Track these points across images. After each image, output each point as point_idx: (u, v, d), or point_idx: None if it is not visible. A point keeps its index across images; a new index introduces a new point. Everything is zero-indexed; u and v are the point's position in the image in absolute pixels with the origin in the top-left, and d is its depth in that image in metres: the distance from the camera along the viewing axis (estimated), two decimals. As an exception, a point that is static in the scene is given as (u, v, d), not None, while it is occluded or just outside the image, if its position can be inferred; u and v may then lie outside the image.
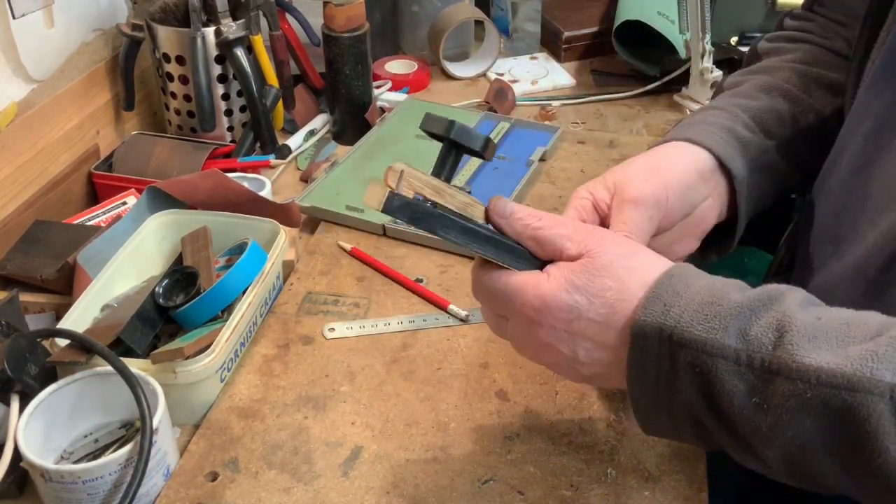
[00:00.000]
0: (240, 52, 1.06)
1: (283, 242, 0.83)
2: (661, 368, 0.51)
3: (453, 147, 0.56)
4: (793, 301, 0.49)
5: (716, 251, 0.76)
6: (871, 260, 0.59)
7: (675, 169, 0.68)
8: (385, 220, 0.93)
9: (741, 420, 0.48)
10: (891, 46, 0.61)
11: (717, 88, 0.83)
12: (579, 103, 1.25)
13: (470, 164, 1.03)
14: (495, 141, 0.97)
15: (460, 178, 0.99)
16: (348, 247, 0.91)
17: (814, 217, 0.69)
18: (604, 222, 0.66)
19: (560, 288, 0.54)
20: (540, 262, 0.57)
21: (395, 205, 0.55)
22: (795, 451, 0.47)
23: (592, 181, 0.68)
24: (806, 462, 0.48)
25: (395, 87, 1.26)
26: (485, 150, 0.56)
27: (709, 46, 1.15)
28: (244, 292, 0.77)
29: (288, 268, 0.88)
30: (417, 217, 0.56)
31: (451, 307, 0.82)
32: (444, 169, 0.57)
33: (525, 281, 0.55)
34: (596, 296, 0.53)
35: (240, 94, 1.10)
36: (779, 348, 0.47)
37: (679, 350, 0.50)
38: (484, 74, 1.33)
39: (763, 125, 0.75)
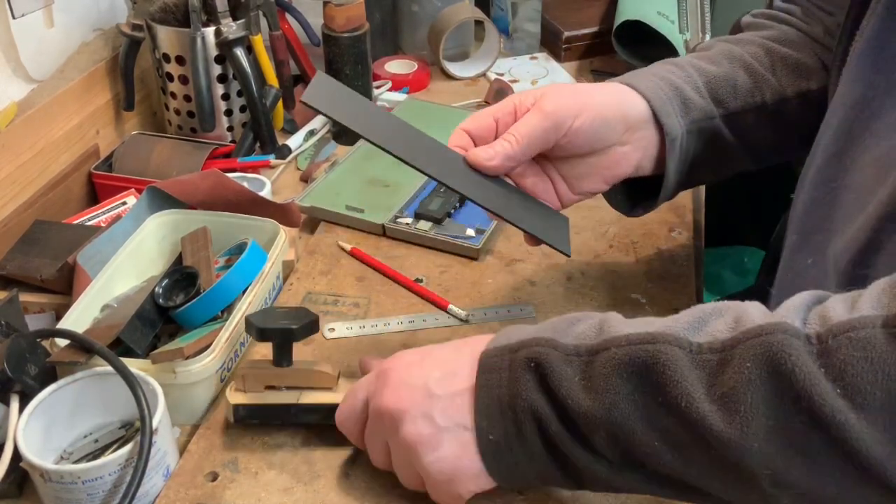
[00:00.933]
0: (240, 52, 1.06)
1: (283, 242, 0.83)
2: (502, 379, 0.55)
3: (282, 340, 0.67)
4: (613, 314, 0.56)
5: (643, 206, 0.78)
6: (844, 253, 0.59)
7: (598, 100, 0.68)
8: (385, 219, 0.93)
9: (570, 401, 0.52)
10: (868, 37, 0.61)
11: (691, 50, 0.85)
12: (579, 103, 1.25)
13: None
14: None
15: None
16: (348, 247, 0.91)
17: (794, 209, 0.69)
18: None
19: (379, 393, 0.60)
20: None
21: (241, 414, 0.67)
22: (617, 428, 0.50)
23: (529, 90, 0.70)
24: (629, 440, 0.50)
25: (395, 87, 1.26)
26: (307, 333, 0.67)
27: (709, 46, 1.15)
28: (244, 292, 0.77)
29: (288, 268, 0.88)
30: (266, 416, 0.68)
31: (451, 307, 0.82)
32: (283, 359, 0.67)
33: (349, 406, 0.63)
34: (430, 371, 0.59)
35: (240, 94, 1.10)
36: (599, 335, 0.53)
37: (519, 349, 0.55)
38: (484, 74, 1.33)
39: (714, 92, 0.75)
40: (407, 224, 0.93)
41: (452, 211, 0.94)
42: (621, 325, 0.53)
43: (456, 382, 0.57)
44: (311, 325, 0.66)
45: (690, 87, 0.74)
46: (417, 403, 0.57)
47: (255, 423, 0.68)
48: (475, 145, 0.69)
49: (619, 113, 0.69)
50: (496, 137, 0.68)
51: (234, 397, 0.67)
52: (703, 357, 0.48)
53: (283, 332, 0.66)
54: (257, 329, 0.65)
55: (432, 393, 0.57)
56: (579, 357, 0.53)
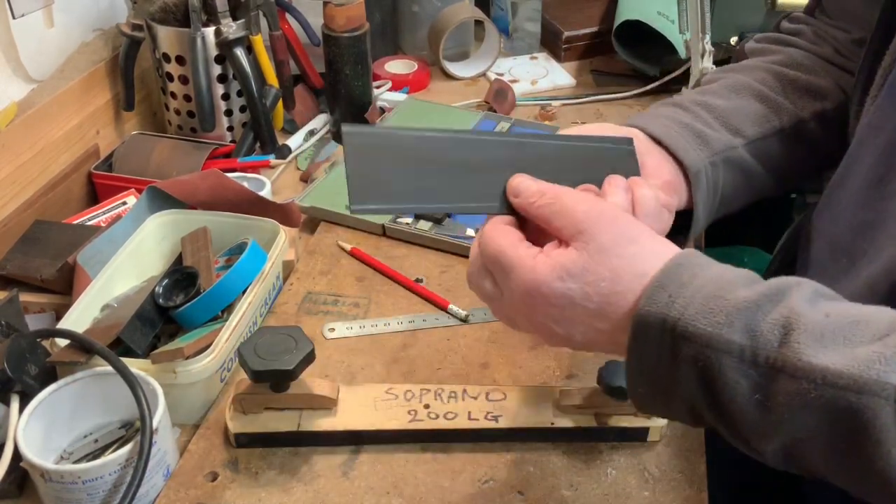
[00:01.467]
0: (240, 52, 1.06)
1: (283, 242, 0.83)
2: (661, 359, 0.50)
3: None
4: (801, 296, 0.48)
5: (676, 241, 0.76)
6: (885, 276, 0.58)
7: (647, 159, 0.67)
8: (385, 219, 0.93)
9: (741, 416, 0.48)
10: None
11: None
12: (579, 103, 1.25)
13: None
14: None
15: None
16: (348, 247, 0.91)
17: (824, 228, 0.68)
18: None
19: (554, 275, 0.52)
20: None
21: (243, 442, 0.68)
22: (795, 448, 0.47)
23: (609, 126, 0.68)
24: (804, 458, 0.47)
25: (395, 87, 1.26)
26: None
27: (709, 46, 1.15)
28: (244, 292, 0.77)
29: (288, 268, 0.88)
30: (268, 442, 0.69)
31: (451, 307, 0.82)
32: (281, 388, 0.67)
33: (521, 260, 0.53)
34: (590, 285, 0.52)
35: (240, 94, 1.10)
36: (784, 346, 0.46)
37: (682, 342, 0.49)
38: (484, 74, 1.33)
39: (728, 123, 0.73)
40: (407, 224, 0.93)
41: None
42: (812, 334, 0.46)
43: (601, 338, 0.53)
44: (307, 358, 0.65)
45: (700, 124, 0.72)
46: (555, 342, 0.55)
47: (258, 447, 0.68)
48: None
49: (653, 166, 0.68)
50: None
51: (235, 424, 0.67)
52: None
53: (281, 373, 0.64)
54: (252, 371, 0.64)
55: (575, 340, 0.54)
56: (756, 369, 0.46)
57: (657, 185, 0.63)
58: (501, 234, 0.55)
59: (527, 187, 0.56)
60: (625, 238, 0.52)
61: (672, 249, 0.53)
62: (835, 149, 0.72)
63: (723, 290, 0.49)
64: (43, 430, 0.65)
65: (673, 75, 1.24)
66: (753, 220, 1.73)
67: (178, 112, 1.11)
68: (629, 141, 0.64)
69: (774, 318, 0.47)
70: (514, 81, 1.29)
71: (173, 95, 1.10)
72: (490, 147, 0.59)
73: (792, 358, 0.45)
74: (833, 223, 0.67)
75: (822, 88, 0.76)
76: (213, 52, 1.06)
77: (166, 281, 0.78)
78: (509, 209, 0.56)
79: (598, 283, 0.52)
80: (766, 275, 1.04)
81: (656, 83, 1.25)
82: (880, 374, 0.43)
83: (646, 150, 0.67)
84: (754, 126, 0.74)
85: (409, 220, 0.93)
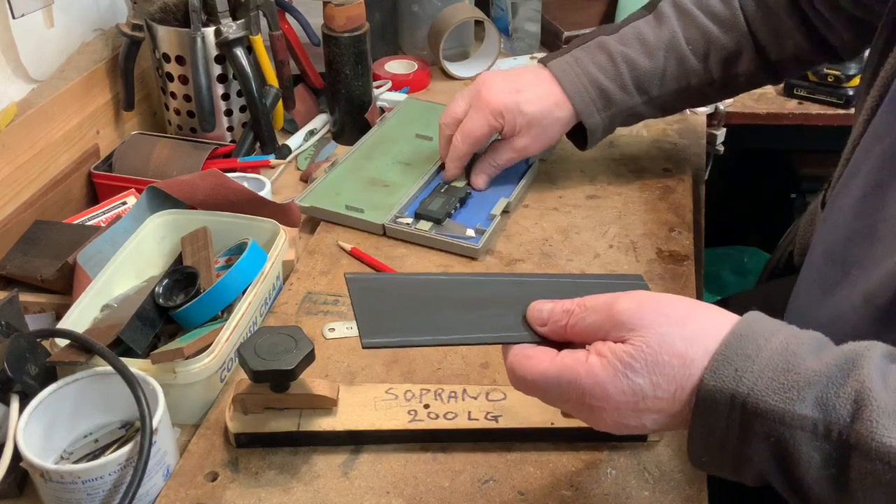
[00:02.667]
0: (240, 52, 1.06)
1: (283, 242, 0.83)
2: (730, 433, 0.49)
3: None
4: (871, 366, 0.47)
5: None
6: (882, 288, 0.57)
7: (538, 114, 0.92)
8: (385, 219, 0.93)
9: (814, 489, 0.47)
10: None
11: (650, 5, 0.95)
12: (579, 103, 1.25)
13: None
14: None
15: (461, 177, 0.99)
16: (348, 247, 0.91)
17: (824, 235, 0.68)
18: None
19: (617, 372, 0.51)
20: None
21: (243, 442, 0.67)
22: None
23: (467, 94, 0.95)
24: None
25: (395, 87, 1.26)
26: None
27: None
28: (244, 292, 0.77)
29: (288, 268, 0.88)
30: (268, 442, 0.68)
31: (451, 307, 0.82)
32: (281, 388, 0.67)
33: (573, 367, 0.52)
34: (658, 374, 0.50)
35: (240, 94, 1.10)
36: (857, 422, 0.45)
37: (754, 419, 0.48)
38: (484, 74, 1.32)
39: (640, 85, 0.90)
40: (407, 224, 0.93)
41: (452, 211, 0.94)
42: (885, 411, 0.45)
43: (673, 422, 0.52)
44: (307, 358, 0.65)
45: (616, 86, 0.90)
46: (627, 430, 0.54)
47: (258, 447, 0.68)
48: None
49: (553, 119, 0.92)
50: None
51: (235, 424, 0.67)
52: None
53: (281, 373, 0.64)
54: (252, 371, 0.64)
55: (647, 427, 0.53)
56: (830, 443, 0.46)
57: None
58: (537, 359, 0.54)
59: (550, 310, 0.55)
60: (680, 321, 0.51)
61: (730, 319, 0.52)
62: (721, 99, 1.01)
63: (791, 363, 0.48)
64: (43, 430, 0.65)
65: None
66: (753, 220, 1.74)
67: (178, 112, 1.11)
68: (640, 277, 0.65)
69: (846, 392, 0.46)
70: (514, 81, 1.29)
71: (173, 95, 1.10)
72: (495, 286, 0.59)
73: (865, 436, 0.45)
74: (832, 231, 0.66)
75: (739, 56, 0.89)
76: (213, 52, 1.06)
77: (166, 281, 0.78)
78: (535, 336, 0.55)
79: (667, 370, 0.50)
80: (764, 274, 1.03)
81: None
82: None
83: (549, 95, 0.91)
84: (662, 87, 0.91)
85: (410, 219, 0.93)
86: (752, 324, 0.51)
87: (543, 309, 0.55)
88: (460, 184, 0.98)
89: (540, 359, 0.54)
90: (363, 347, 0.54)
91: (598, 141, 0.96)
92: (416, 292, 0.56)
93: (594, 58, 0.91)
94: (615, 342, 0.52)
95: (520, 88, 0.92)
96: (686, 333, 0.50)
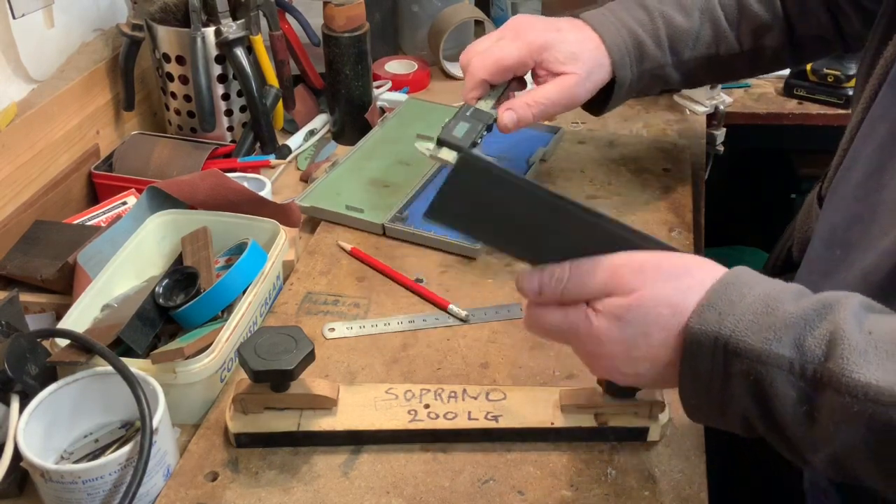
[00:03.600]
0: (240, 52, 1.06)
1: (283, 242, 0.83)
2: (714, 375, 0.51)
3: None
4: (848, 311, 0.49)
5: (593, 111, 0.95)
6: (879, 267, 0.58)
7: (582, 63, 0.87)
8: (385, 219, 0.93)
9: (791, 426, 0.49)
10: None
11: None
12: (579, 103, 1.25)
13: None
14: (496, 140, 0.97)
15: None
16: (348, 247, 0.91)
17: (824, 224, 0.69)
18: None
19: (613, 326, 0.54)
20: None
21: (243, 442, 0.68)
22: (842, 459, 0.48)
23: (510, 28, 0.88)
24: (852, 468, 0.49)
25: (395, 87, 1.26)
26: None
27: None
28: (244, 292, 0.77)
29: (288, 268, 0.88)
30: (269, 442, 0.69)
31: (451, 307, 0.82)
32: (281, 388, 0.67)
33: (575, 322, 0.56)
34: (651, 324, 0.53)
35: (240, 94, 1.10)
36: (830, 360, 0.47)
37: (734, 359, 0.50)
38: (484, 74, 1.32)
39: (673, 44, 0.89)
40: (407, 224, 0.92)
41: (479, 140, 0.87)
42: (856, 350, 0.47)
43: (665, 371, 0.55)
44: (307, 358, 0.65)
45: (652, 40, 0.88)
46: (620, 378, 0.57)
47: (258, 447, 0.68)
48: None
49: (596, 65, 0.87)
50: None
51: (235, 424, 0.67)
52: None
53: (281, 373, 0.64)
54: (252, 371, 0.64)
55: (640, 374, 0.56)
56: (804, 381, 0.48)
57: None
58: (544, 309, 0.57)
59: (539, 282, 0.56)
60: (677, 274, 0.54)
61: (719, 270, 0.54)
62: (744, 75, 0.99)
63: (771, 307, 0.50)
64: (43, 430, 0.65)
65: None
66: (753, 220, 1.73)
67: (178, 112, 1.11)
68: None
69: (821, 332, 0.48)
70: (514, 81, 1.28)
71: (173, 95, 1.10)
72: (572, 221, 0.58)
73: (836, 372, 0.47)
74: (832, 217, 0.67)
75: (770, 28, 0.88)
76: (213, 52, 1.06)
77: (166, 281, 0.78)
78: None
79: (660, 320, 0.53)
80: (764, 271, 1.03)
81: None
82: None
83: (589, 39, 0.87)
84: (694, 49, 0.89)
85: (409, 224, 0.93)
86: (740, 275, 0.53)
87: (532, 287, 0.57)
88: (487, 106, 0.88)
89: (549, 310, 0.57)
90: (423, 218, 0.57)
91: (621, 102, 0.92)
92: (503, 196, 0.56)
93: (632, 11, 0.90)
94: (609, 297, 0.55)
95: (560, 28, 0.88)
96: (682, 286, 0.53)
